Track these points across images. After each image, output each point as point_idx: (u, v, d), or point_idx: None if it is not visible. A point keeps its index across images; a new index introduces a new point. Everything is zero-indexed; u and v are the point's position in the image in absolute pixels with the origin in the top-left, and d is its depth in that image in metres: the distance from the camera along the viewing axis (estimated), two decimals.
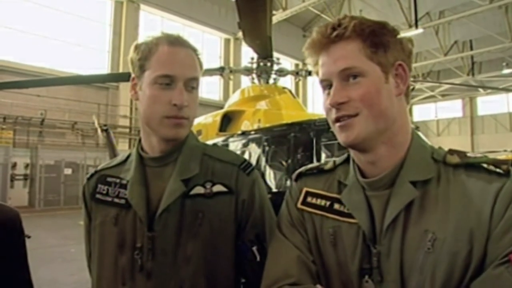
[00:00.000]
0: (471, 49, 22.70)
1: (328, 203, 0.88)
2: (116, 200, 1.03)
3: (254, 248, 0.99)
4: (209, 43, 20.07)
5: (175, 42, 0.99)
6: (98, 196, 1.07)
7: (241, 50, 20.47)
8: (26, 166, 14.05)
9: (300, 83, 20.73)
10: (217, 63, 18.55)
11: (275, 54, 6.29)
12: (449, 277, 0.70)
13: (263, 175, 4.41)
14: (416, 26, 17.13)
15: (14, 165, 13.52)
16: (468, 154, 0.79)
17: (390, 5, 18.87)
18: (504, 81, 23.81)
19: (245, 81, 7.00)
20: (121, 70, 15.01)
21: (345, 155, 0.94)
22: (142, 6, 17.19)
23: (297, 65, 23.22)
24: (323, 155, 3.97)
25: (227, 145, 5.15)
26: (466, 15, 17.43)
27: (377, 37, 0.78)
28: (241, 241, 1.01)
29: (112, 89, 16.13)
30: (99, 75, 11.58)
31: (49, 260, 6.12)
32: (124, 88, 15.34)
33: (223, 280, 0.99)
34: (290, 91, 6.26)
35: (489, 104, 27.09)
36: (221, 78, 6.94)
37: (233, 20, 5.59)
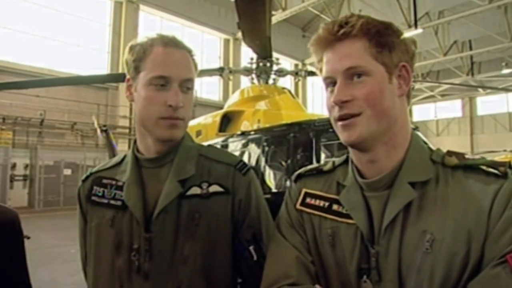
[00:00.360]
0: (471, 49, 22.72)
1: (326, 204, 0.89)
2: (112, 202, 1.03)
3: (251, 248, 1.00)
4: (208, 44, 20.07)
5: (170, 43, 0.99)
6: (93, 198, 1.06)
7: (241, 50, 20.47)
8: (26, 166, 14.04)
9: (300, 83, 20.75)
10: (217, 63, 18.56)
11: (275, 54, 6.29)
12: (447, 277, 0.70)
13: (262, 175, 4.41)
14: (416, 26, 17.13)
15: (13, 166, 13.50)
16: (466, 156, 0.80)
17: (390, 5, 18.88)
18: (504, 81, 23.84)
19: (245, 81, 7.00)
20: (120, 71, 14.98)
21: (344, 156, 0.94)
22: (141, 6, 17.19)
23: (296, 65, 23.25)
24: (323, 156, 3.97)
25: (226, 146, 5.14)
26: (466, 15, 17.44)
27: (382, 37, 0.79)
28: (237, 241, 1.01)
29: (111, 89, 16.12)
30: (98, 75, 11.58)
31: (49, 261, 6.11)
32: (124, 88, 15.22)
33: (220, 280, 0.99)
34: (290, 91, 6.26)
35: (488, 104, 27.12)
36: (220, 79, 6.95)
37: (233, 20, 5.59)
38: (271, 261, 0.90)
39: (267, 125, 5.01)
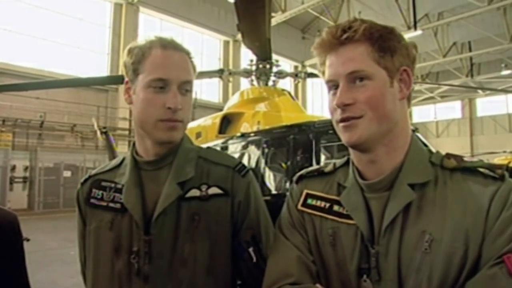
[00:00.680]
0: (470, 50, 22.78)
1: (327, 204, 0.90)
2: (111, 204, 1.02)
3: (250, 249, 1.00)
4: (208, 45, 20.11)
5: (169, 45, 0.99)
6: (92, 200, 1.06)
7: (240, 52, 20.50)
8: (25, 168, 14.03)
9: (300, 85, 20.77)
10: (216, 65, 18.56)
11: (274, 56, 6.30)
12: (445, 277, 0.71)
13: (262, 177, 4.41)
14: (415, 28, 17.18)
15: (13, 168, 13.49)
16: (465, 159, 0.82)
17: (389, 6, 18.93)
18: (503, 82, 23.87)
19: (245, 83, 7.00)
20: (120, 73, 14.95)
21: (345, 158, 0.96)
22: (141, 8, 17.23)
23: (296, 67, 23.28)
24: (323, 157, 3.97)
25: (226, 147, 5.15)
26: (465, 17, 17.48)
27: (385, 42, 0.80)
28: (237, 243, 1.02)
29: (111, 91, 16.14)
30: (98, 77, 11.60)
31: (49, 263, 6.10)
32: (123, 90, 15.32)
33: (220, 282, 1.00)
34: (289, 93, 6.27)
35: (488, 105, 27.15)
36: (220, 80, 6.96)
37: (233, 22, 5.60)
38: (272, 260, 0.91)
39: (266, 127, 5.01)
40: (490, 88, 22.00)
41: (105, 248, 1.00)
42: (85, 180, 1.13)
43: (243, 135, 5.10)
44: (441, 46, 22.00)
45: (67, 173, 14.32)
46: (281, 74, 6.42)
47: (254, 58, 6.03)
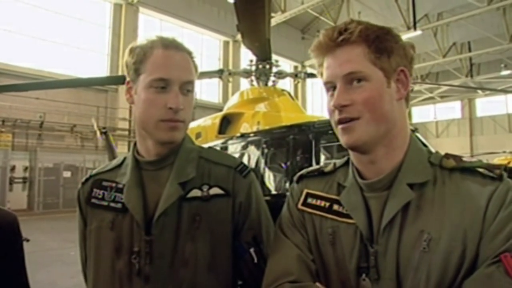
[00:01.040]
0: (470, 50, 22.78)
1: (327, 204, 0.91)
2: (112, 204, 1.02)
3: (252, 250, 1.00)
4: (208, 46, 20.11)
5: (170, 45, 0.99)
6: (93, 200, 1.06)
7: (240, 52, 20.51)
8: (25, 169, 14.02)
9: (299, 85, 20.78)
10: (216, 65, 18.57)
11: (274, 56, 6.31)
12: (443, 276, 0.72)
13: (262, 177, 4.41)
14: (415, 28, 17.19)
15: (13, 168, 13.48)
16: (464, 159, 0.82)
17: (389, 7, 18.93)
18: (503, 83, 23.88)
19: (244, 83, 7.01)
20: (120, 73, 15.00)
21: (345, 158, 0.96)
22: (141, 8, 17.22)
23: (296, 67, 23.29)
24: (322, 157, 3.97)
25: (226, 148, 5.15)
26: (464, 17, 17.48)
27: (381, 43, 0.81)
28: (238, 243, 1.01)
29: (111, 91, 16.14)
30: (98, 77, 11.60)
31: (48, 263, 6.10)
32: (123, 90, 15.20)
33: (221, 282, 1.00)
34: (289, 93, 6.27)
35: (487, 106, 27.15)
36: (220, 81, 6.96)
37: (232, 22, 5.60)
38: (273, 259, 0.92)
39: (266, 127, 5.01)
40: (490, 88, 22.02)
41: (106, 248, 1.00)
42: (86, 180, 1.12)
43: (243, 136, 5.10)
44: (440, 46, 22.00)
45: (67, 174, 14.32)
46: (281, 74, 6.43)
47: (254, 58, 6.03)
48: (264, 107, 5.79)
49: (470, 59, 23.75)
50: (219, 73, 6.45)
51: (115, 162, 1.13)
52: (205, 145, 1.20)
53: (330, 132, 3.67)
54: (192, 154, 1.06)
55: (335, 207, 0.89)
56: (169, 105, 0.95)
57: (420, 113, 29.88)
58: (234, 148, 5.07)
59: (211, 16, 19.55)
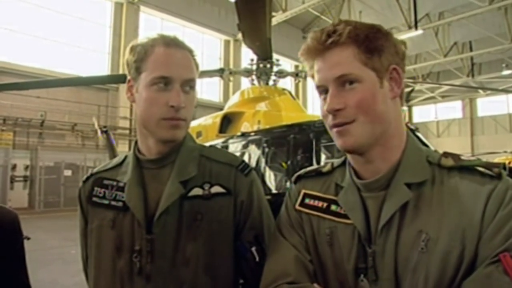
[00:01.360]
0: (471, 50, 22.72)
1: (325, 204, 0.90)
2: (113, 203, 1.02)
3: (253, 249, 0.99)
4: (209, 45, 20.10)
5: (171, 43, 0.99)
6: (94, 199, 1.06)
7: (241, 51, 20.49)
8: (26, 167, 14.04)
9: (300, 84, 20.74)
10: (217, 64, 18.56)
11: (275, 56, 6.31)
12: (442, 276, 0.71)
13: (262, 177, 4.41)
14: (416, 28, 17.16)
15: (14, 167, 13.50)
16: (462, 157, 0.81)
17: (390, 6, 18.90)
18: (504, 82, 23.83)
19: (245, 82, 7.01)
20: (121, 72, 15.00)
21: (343, 158, 0.95)
22: (142, 7, 17.22)
23: (296, 66, 23.25)
24: (323, 157, 3.97)
25: (226, 147, 5.15)
26: (466, 17, 17.44)
27: (371, 43, 0.79)
28: (239, 242, 1.01)
29: (112, 90, 16.14)
30: (99, 76, 11.60)
31: (49, 262, 6.11)
32: (124, 89, 15.08)
33: (222, 281, 0.99)
34: (290, 93, 6.28)
35: (489, 105, 27.09)
36: (221, 80, 6.96)
37: (233, 21, 5.60)
38: (270, 260, 0.91)
39: (267, 126, 5.02)
40: (491, 88, 21.96)
41: (107, 247, 1.00)
42: (87, 178, 1.12)
43: (243, 135, 5.10)
44: (442, 46, 21.95)
45: (68, 172, 14.33)
46: (281, 74, 6.43)
47: (255, 57, 6.03)
48: (265, 106, 5.80)
49: (471, 58, 23.69)
50: (220, 72, 6.46)
51: (116, 160, 1.13)
52: (206, 144, 1.19)
53: None
54: (194, 153, 1.05)
55: (333, 207, 0.88)
56: (170, 103, 0.95)
57: (421, 113, 29.85)
58: (234, 147, 5.07)
59: (212, 15, 19.54)
